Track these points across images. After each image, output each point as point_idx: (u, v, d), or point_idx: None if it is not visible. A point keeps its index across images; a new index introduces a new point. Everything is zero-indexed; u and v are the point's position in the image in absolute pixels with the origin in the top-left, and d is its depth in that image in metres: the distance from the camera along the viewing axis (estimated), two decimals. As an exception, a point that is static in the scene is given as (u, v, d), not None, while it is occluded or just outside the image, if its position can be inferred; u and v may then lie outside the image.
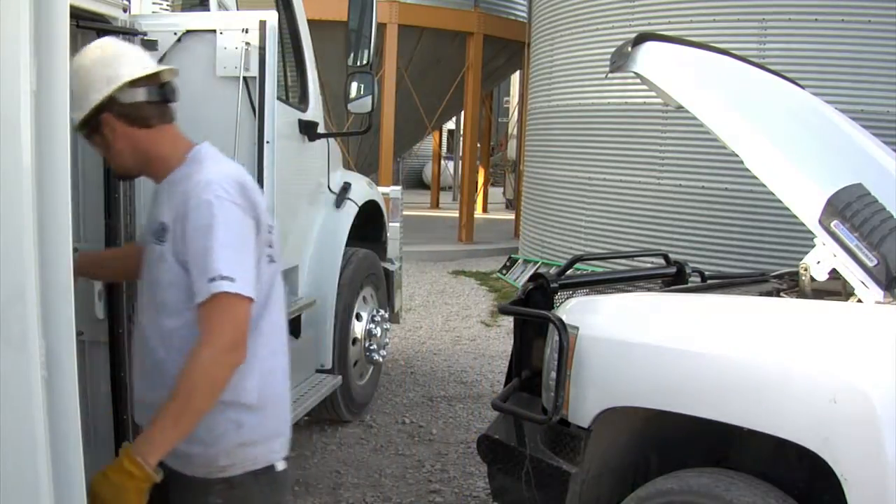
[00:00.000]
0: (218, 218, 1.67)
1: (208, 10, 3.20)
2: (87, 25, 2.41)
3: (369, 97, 3.87)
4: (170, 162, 1.82)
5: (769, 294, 2.85)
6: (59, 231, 1.35)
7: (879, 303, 2.22)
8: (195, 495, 1.82)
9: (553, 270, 3.05)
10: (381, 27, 9.85)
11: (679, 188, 7.47)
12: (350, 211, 4.42)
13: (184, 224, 1.70)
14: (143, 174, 1.91)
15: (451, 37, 11.95)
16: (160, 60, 2.59)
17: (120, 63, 1.76)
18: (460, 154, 17.73)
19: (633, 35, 2.79)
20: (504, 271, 9.83)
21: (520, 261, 9.75)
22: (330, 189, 4.37)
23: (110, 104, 1.74)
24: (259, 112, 2.57)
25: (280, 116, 2.81)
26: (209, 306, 1.65)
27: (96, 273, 2.34)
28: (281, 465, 1.88)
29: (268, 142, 2.57)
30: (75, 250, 2.09)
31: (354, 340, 4.55)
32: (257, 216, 1.77)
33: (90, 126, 1.77)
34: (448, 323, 7.48)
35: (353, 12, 3.71)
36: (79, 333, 2.44)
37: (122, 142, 1.79)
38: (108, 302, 2.66)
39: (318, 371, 4.17)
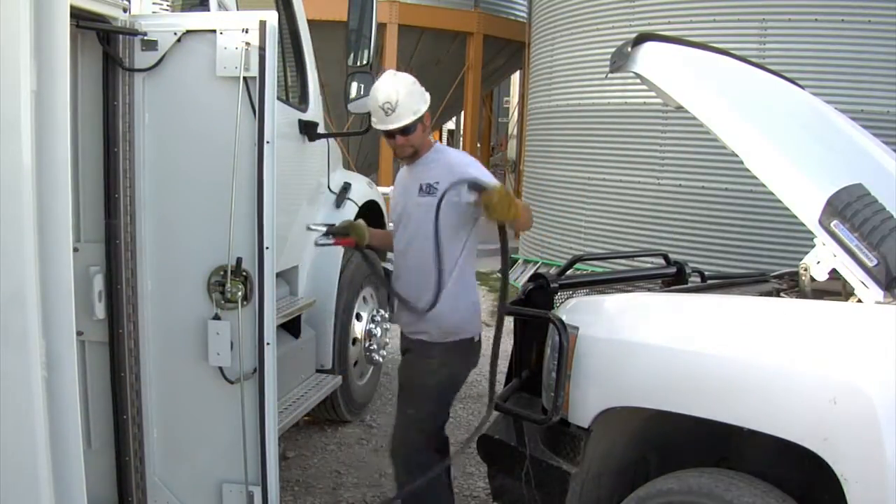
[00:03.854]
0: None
1: (208, 10, 3.20)
2: (87, 25, 2.41)
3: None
4: (425, 149, 2.91)
5: (769, 294, 2.85)
6: (59, 231, 1.35)
7: (879, 303, 2.22)
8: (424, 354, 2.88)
9: (553, 270, 3.05)
10: (381, 27, 9.84)
11: (679, 188, 7.46)
12: (350, 211, 4.42)
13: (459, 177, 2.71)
14: (414, 158, 2.90)
15: (451, 37, 11.96)
16: (160, 60, 2.59)
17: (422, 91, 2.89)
18: (460, 154, 17.67)
19: (633, 35, 2.79)
20: (504, 271, 9.81)
21: (520, 261, 9.74)
22: (330, 189, 4.37)
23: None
24: (259, 112, 2.57)
25: (280, 116, 2.81)
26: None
27: (385, 244, 3.28)
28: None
29: (268, 142, 2.56)
30: (75, 250, 2.09)
31: (354, 340, 4.55)
32: None
33: (411, 126, 2.81)
34: (448, 323, 7.46)
35: (353, 12, 3.71)
36: (79, 333, 2.45)
37: (421, 135, 2.87)
38: (108, 302, 2.66)
39: (318, 371, 4.18)
